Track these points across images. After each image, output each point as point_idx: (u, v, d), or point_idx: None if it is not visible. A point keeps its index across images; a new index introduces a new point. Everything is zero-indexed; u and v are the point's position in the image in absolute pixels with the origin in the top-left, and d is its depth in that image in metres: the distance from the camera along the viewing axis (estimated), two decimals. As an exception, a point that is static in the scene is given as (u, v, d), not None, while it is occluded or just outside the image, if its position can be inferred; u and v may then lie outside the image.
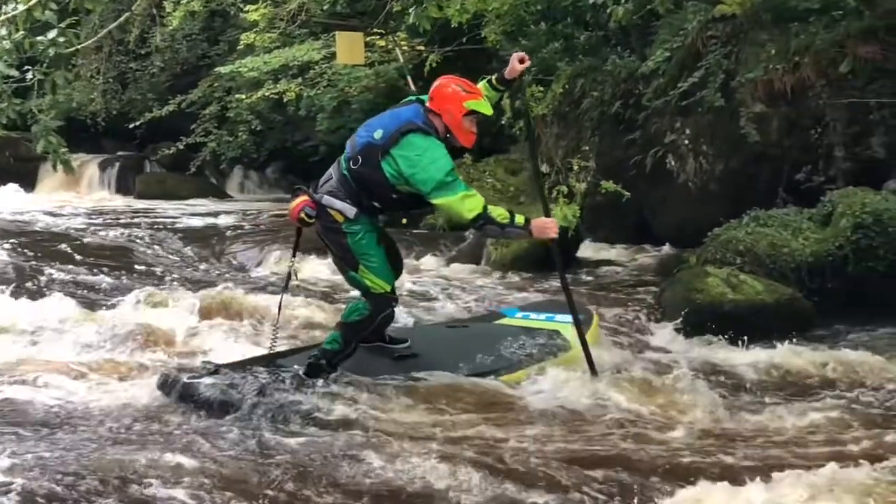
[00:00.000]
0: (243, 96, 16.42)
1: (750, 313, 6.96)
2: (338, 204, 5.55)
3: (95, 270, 9.38)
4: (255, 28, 16.17)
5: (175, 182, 18.25)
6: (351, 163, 5.56)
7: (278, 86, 15.87)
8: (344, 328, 5.64)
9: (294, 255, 6.01)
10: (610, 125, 11.04)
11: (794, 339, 6.60)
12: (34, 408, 5.30)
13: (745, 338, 6.63)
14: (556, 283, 9.55)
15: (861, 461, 4.45)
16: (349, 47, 14.07)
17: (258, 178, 19.51)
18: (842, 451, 4.74)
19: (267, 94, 15.94)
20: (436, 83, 5.64)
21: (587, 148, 11.11)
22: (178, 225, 13.55)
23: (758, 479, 4.19)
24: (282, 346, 6.23)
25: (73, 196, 17.72)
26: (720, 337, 6.81)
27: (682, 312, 7.10)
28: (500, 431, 4.97)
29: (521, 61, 5.68)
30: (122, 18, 14.16)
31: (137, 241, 11.61)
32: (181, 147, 17.07)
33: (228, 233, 12.41)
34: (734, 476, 4.30)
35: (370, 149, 5.49)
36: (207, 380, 5.39)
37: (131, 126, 17.70)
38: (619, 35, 11.70)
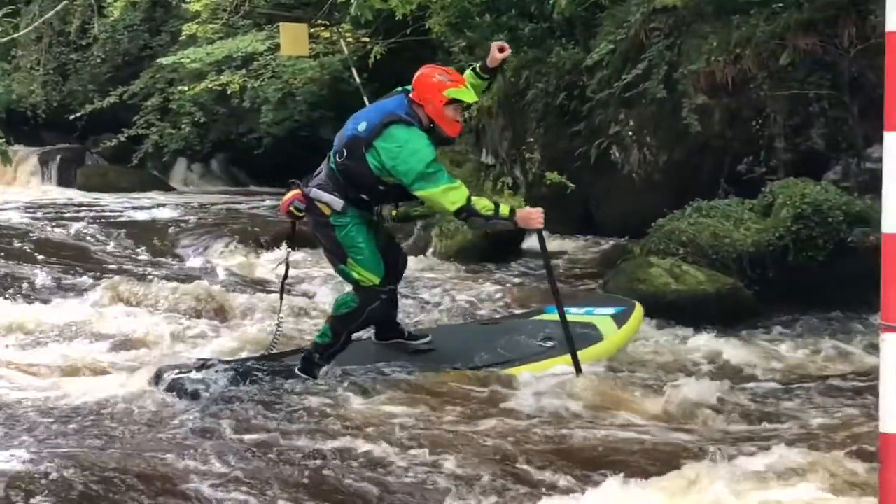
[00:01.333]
0: (186, 88, 16.27)
1: (692, 303, 7.03)
2: (325, 197, 5.57)
3: (37, 265, 9.24)
4: (198, 18, 16.02)
5: (117, 174, 18.00)
6: (337, 156, 5.59)
7: (222, 77, 15.75)
8: (333, 321, 5.67)
9: (290, 249, 6.01)
10: (554, 117, 11.07)
11: (736, 328, 6.67)
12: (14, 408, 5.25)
13: (688, 327, 6.70)
14: (500, 274, 9.69)
15: (798, 446, 4.52)
16: (293, 38, 13.99)
17: (202, 170, 19.30)
18: (781, 437, 4.80)
19: (210, 85, 15.81)
20: (418, 73, 5.60)
21: (532, 139, 11.13)
22: (121, 218, 13.38)
23: (700, 468, 4.22)
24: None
25: (13, 188, 17.44)
26: (663, 326, 6.88)
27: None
28: (450, 424, 4.98)
29: (501, 50, 5.64)
30: (59, 6, 13.93)
31: (81, 235, 11.45)
32: (123, 139, 16.89)
33: (172, 226, 12.28)
34: (676, 464, 4.34)
35: (355, 141, 5.51)
36: (195, 374, 5.47)
37: (72, 118, 17.51)
38: (563, 27, 11.74)
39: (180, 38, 16.99)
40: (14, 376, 5.83)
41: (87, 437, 4.77)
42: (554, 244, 10.79)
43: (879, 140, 2.95)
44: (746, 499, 3.88)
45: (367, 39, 14.84)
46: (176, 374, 5.51)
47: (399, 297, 6.21)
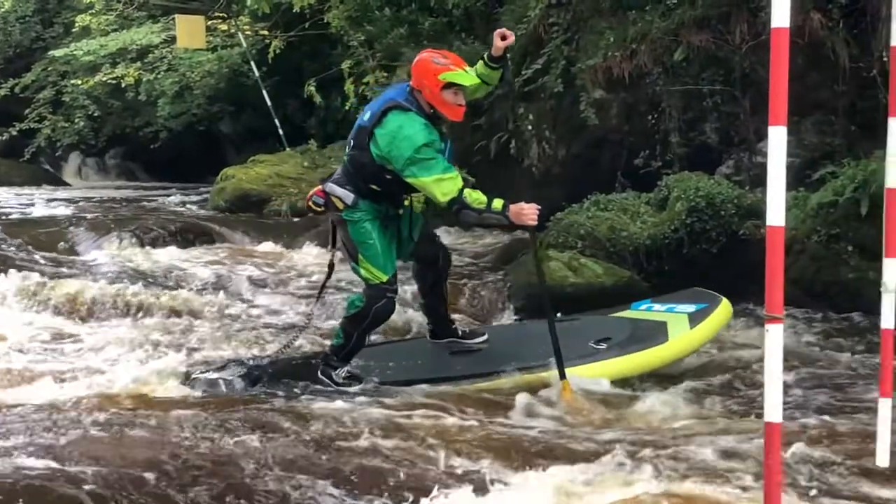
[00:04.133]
0: (79, 81, 15.97)
1: (590, 295, 7.09)
2: (339, 191, 5.54)
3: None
4: (92, 10, 15.72)
5: (8, 169, 17.55)
6: (348, 147, 5.59)
7: (116, 70, 15.49)
8: (343, 322, 5.66)
9: (333, 248, 5.87)
10: (454, 111, 11.07)
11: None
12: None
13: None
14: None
15: (697, 437, 4.59)
16: (190, 31, 13.81)
17: (96, 164, 18.96)
18: (673, 429, 4.87)
19: (104, 78, 15.54)
20: (415, 58, 5.54)
21: (432, 133, 11.12)
22: (13, 214, 13.01)
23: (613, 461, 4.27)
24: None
25: None
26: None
27: (526, 296, 7.19)
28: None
29: (503, 38, 5.49)
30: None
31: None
32: (14, 133, 16.51)
33: (65, 222, 11.95)
34: (573, 459, 4.38)
35: (360, 131, 5.49)
36: (213, 374, 5.57)
37: (-39, 111, 17.02)
38: (463, 21, 11.77)
39: (73, 30, 16.66)
40: None
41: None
42: (456, 239, 10.83)
43: (769, 135, 3.00)
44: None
45: (265, 32, 14.71)
46: (198, 373, 5.63)
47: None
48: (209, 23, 15.03)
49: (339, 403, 5.19)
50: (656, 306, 6.21)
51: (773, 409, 2.93)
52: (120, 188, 17.26)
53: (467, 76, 5.43)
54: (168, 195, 15.62)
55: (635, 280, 7.44)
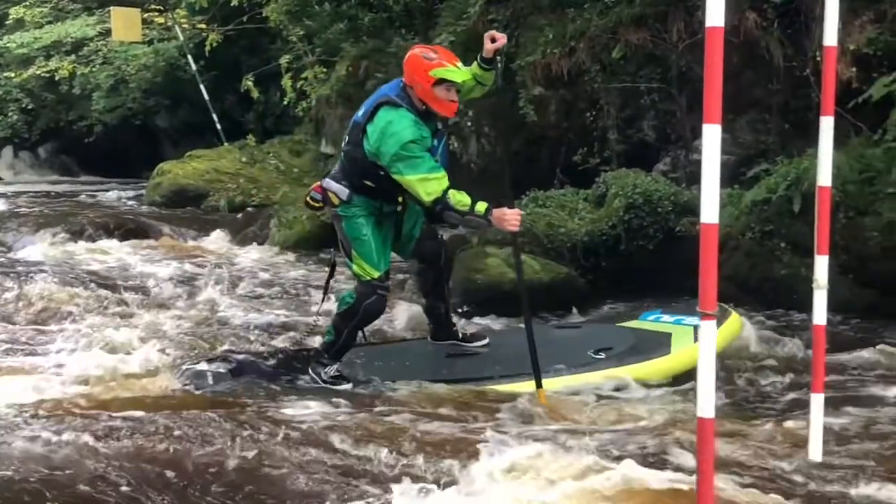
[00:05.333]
0: (12, 74, 15.72)
1: (528, 292, 7.09)
2: (334, 186, 5.52)
3: None
4: (26, 2, 15.49)
5: (-62, 164, 17.24)
6: (343, 144, 5.55)
7: (50, 63, 15.27)
8: (335, 318, 5.61)
9: (335, 249, 5.82)
10: (394, 107, 11.05)
11: (569, 316, 6.78)
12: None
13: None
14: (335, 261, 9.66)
15: (629, 433, 4.63)
16: (125, 23, 13.65)
17: (30, 158, 18.63)
18: (617, 421, 4.91)
19: (38, 71, 15.32)
20: (407, 54, 5.47)
21: (371, 129, 11.08)
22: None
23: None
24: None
25: None
26: (501, 315, 6.94)
27: (464, 292, 7.20)
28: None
29: (493, 40, 5.41)
30: None
31: None
32: (-55, 126, 16.16)
33: (-2, 216, 11.80)
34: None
35: (354, 127, 5.45)
36: (203, 365, 5.56)
37: None
38: (403, 17, 11.75)
39: (7, 23, 16.37)
40: None
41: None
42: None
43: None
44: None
45: (203, 26, 14.58)
46: (188, 363, 5.63)
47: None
48: (145, 15, 14.88)
49: (317, 402, 5.14)
50: (665, 317, 6.13)
51: (706, 405, 2.96)
52: (55, 183, 16.97)
53: (458, 72, 5.38)
54: (103, 190, 15.42)
55: (573, 276, 7.48)
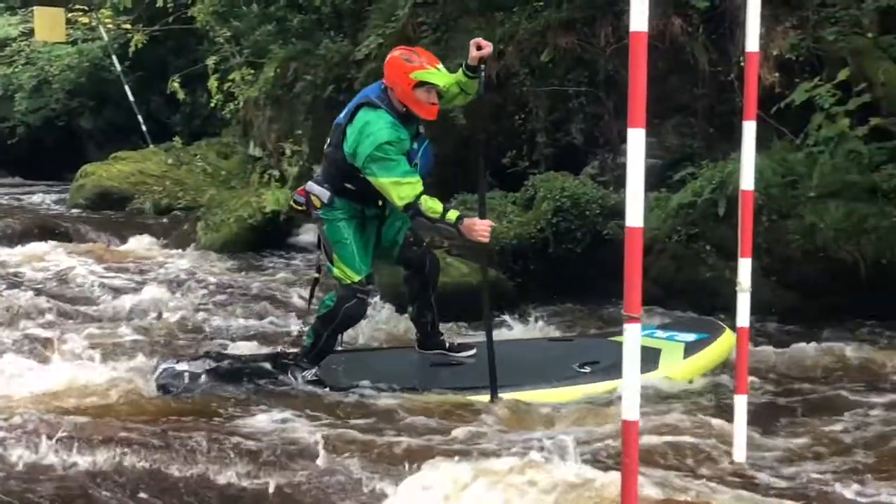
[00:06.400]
0: (-69, 73, 15.34)
1: (457, 295, 7.07)
2: (316, 189, 5.50)
3: None
4: (-56, -1, 15.12)
5: None
6: (326, 146, 5.52)
7: (-30, 63, 14.92)
8: (315, 322, 5.57)
9: (319, 249, 5.74)
10: (323, 109, 10.97)
11: (496, 319, 6.78)
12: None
13: (449, 321, 6.75)
14: (265, 263, 9.59)
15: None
16: (49, 23, 13.43)
17: (-51, 161, 18.21)
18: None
19: (-42, 71, 14.96)
20: (388, 56, 5.44)
21: (300, 132, 11.03)
22: None
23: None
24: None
25: None
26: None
27: (394, 295, 7.17)
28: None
29: (479, 47, 5.31)
30: None
31: None
32: None
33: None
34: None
35: (336, 129, 5.44)
36: (182, 365, 5.51)
37: None
38: (332, 19, 11.68)
39: (-76, 20, 15.97)
40: None
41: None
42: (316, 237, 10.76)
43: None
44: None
45: (128, 26, 14.38)
46: (167, 362, 5.59)
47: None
48: (69, 15, 14.65)
49: (291, 408, 5.11)
50: (658, 332, 6.08)
51: (631, 407, 2.98)
52: (-25, 185, 16.63)
53: (439, 75, 5.36)
54: (27, 192, 15.13)
55: (501, 279, 7.49)
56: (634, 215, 2.95)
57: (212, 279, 8.70)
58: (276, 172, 10.59)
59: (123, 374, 5.64)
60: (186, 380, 5.42)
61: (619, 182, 8.32)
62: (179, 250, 10.00)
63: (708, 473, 4.28)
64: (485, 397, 5.31)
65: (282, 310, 7.70)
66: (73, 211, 12.69)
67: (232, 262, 9.55)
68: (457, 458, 4.22)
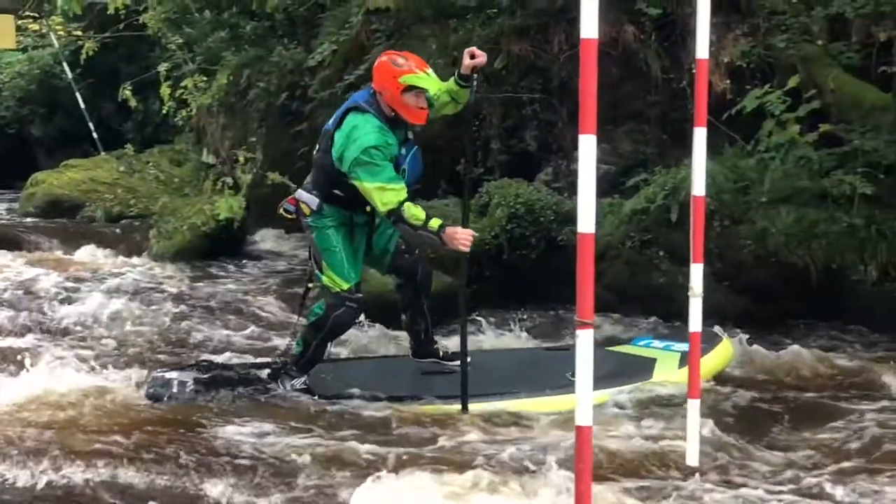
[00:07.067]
0: None
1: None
2: (305, 196, 5.47)
3: None
4: None
5: None
6: (315, 152, 5.48)
7: (-82, 69, 14.71)
8: (304, 330, 5.53)
9: (310, 258, 5.67)
10: (276, 117, 10.96)
11: (450, 325, 6.78)
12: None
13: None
14: (219, 271, 9.52)
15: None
16: (-2, 30, 13.26)
17: None
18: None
19: None
20: (377, 60, 5.40)
21: (254, 139, 10.99)
22: None
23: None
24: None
25: None
26: (387, 324, 6.90)
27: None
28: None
29: (472, 56, 5.30)
30: None
31: None
32: None
33: None
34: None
35: (325, 134, 5.41)
36: (172, 374, 5.52)
37: None
38: (285, 26, 11.64)
39: None
40: None
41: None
42: (278, 244, 10.72)
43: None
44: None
45: (79, 33, 14.24)
46: (157, 370, 5.61)
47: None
48: (19, 22, 14.49)
49: (274, 420, 5.09)
50: (655, 342, 6.08)
51: (584, 413, 2.99)
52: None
53: (428, 79, 5.34)
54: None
55: (456, 285, 7.47)
56: (586, 221, 2.96)
57: (170, 288, 8.61)
58: (229, 180, 10.51)
59: (104, 383, 5.60)
60: (175, 388, 5.40)
61: (573, 188, 8.22)
62: (132, 258, 9.89)
63: (660, 478, 4.30)
64: (475, 406, 5.30)
65: (241, 319, 7.67)
66: (24, 219, 12.53)
67: (187, 270, 9.46)
68: (442, 467, 4.28)
